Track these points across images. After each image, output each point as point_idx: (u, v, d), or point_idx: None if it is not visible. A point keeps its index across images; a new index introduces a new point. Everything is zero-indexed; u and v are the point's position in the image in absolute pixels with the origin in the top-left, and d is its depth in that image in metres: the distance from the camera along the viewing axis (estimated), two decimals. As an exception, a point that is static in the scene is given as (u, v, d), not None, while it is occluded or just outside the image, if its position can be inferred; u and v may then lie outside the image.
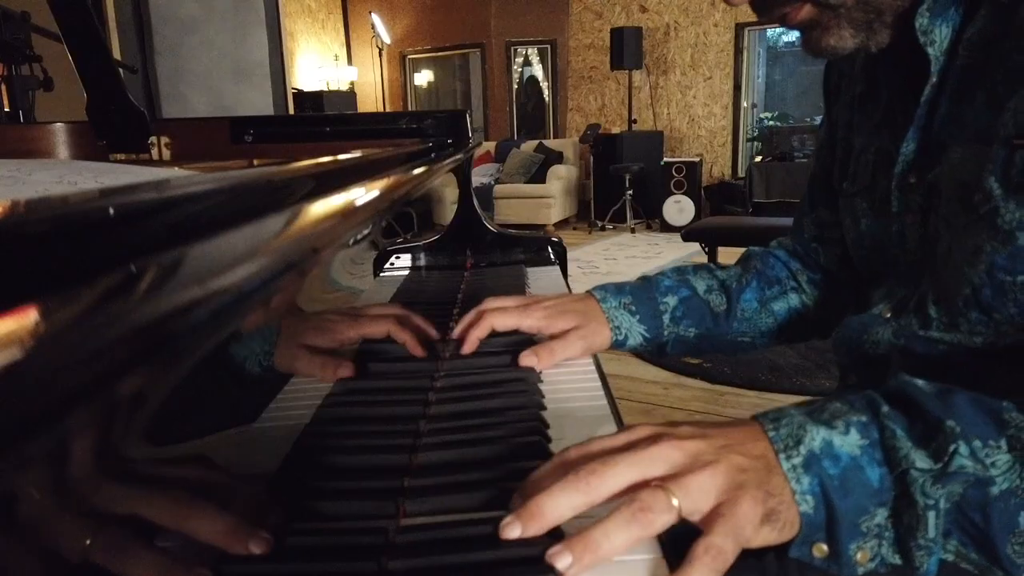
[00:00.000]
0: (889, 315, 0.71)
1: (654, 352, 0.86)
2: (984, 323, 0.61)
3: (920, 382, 0.49)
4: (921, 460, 0.44)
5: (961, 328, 0.63)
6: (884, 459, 0.45)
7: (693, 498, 0.43)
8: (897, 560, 0.46)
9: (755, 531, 0.43)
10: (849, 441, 0.45)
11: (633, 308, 0.82)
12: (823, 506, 0.44)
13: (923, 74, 0.64)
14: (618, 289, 0.84)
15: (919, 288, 0.68)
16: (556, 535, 0.41)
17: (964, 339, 0.63)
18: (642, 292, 0.84)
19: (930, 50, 0.62)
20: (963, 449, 0.44)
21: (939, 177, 0.64)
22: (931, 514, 0.44)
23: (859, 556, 0.45)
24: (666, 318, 0.84)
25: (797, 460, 0.45)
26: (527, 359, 0.71)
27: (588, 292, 0.83)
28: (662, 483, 0.43)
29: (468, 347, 0.73)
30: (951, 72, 0.63)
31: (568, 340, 0.75)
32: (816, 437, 0.45)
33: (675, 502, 0.42)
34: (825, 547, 0.45)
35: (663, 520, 0.42)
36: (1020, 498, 0.44)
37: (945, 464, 0.44)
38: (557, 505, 0.42)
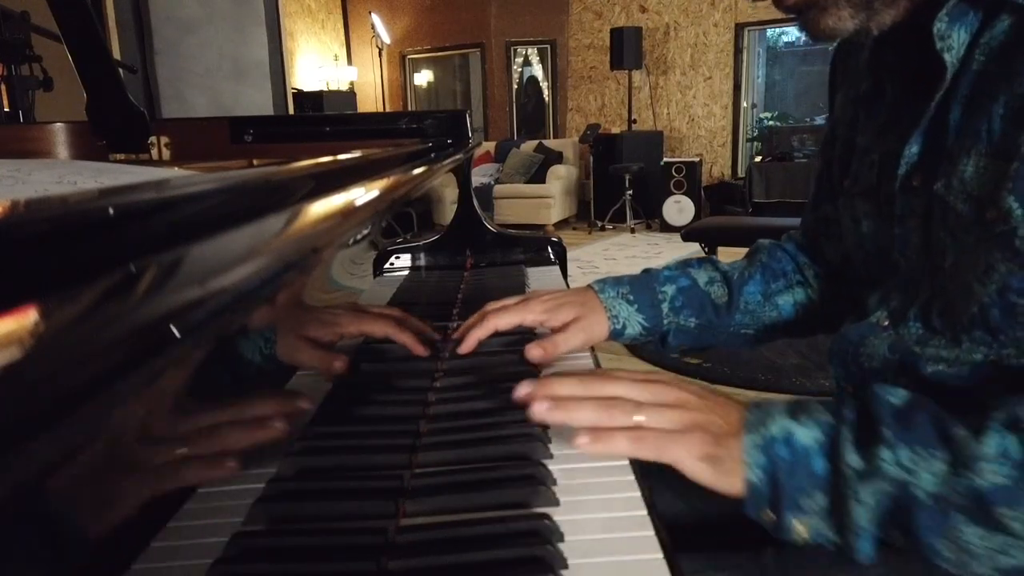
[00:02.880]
0: (887, 323, 0.70)
1: (657, 343, 0.86)
2: (988, 343, 0.60)
3: (892, 392, 0.54)
4: (854, 460, 0.51)
5: (962, 344, 0.62)
6: (830, 454, 0.52)
7: (655, 420, 0.53)
8: (834, 537, 0.52)
9: (691, 460, 0.52)
10: (809, 435, 0.53)
11: (631, 298, 0.82)
12: (770, 481, 0.52)
13: (931, 75, 0.61)
14: (617, 281, 0.84)
15: (917, 297, 0.67)
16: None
17: (963, 355, 0.62)
18: (641, 282, 0.84)
19: (947, 56, 0.59)
20: (886, 455, 0.50)
21: (948, 188, 0.61)
22: (857, 506, 0.50)
23: (799, 527, 0.52)
24: (665, 307, 0.84)
25: (757, 439, 0.53)
26: (533, 351, 0.71)
27: (588, 285, 0.84)
28: (640, 404, 0.54)
29: (466, 347, 0.73)
30: (963, 77, 0.60)
31: (570, 332, 0.76)
32: (779, 426, 0.53)
33: (638, 418, 0.53)
34: (772, 515, 0.52)
35: (620, 420, 0.53)
36: (950, 504, 0.48)
37: (870, 466, 0.50)
38: (563, 385, 0.55)
